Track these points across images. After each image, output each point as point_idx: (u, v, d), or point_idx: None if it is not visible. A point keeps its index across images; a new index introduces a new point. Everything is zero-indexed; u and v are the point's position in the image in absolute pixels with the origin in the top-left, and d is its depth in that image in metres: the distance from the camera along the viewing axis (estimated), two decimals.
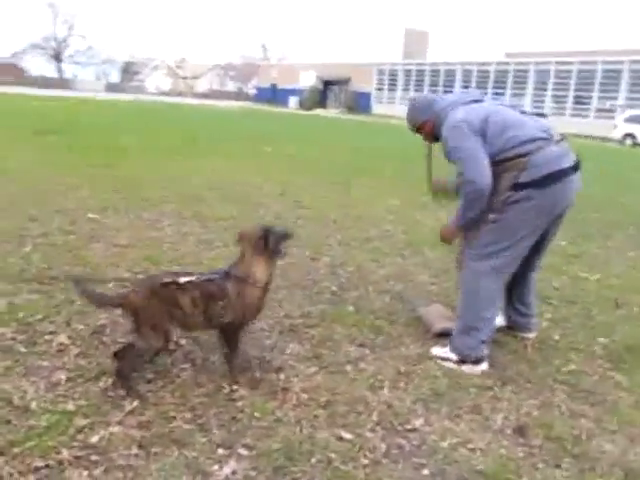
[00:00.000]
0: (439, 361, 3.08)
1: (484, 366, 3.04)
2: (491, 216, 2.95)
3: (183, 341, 3.02)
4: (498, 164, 2.88)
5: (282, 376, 2.77)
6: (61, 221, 5.11)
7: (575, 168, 2.94)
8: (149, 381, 2.61)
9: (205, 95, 65.10)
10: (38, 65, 71.29)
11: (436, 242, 5.40)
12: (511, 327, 3.50)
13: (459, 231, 3.19)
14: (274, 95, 55.51)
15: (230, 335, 2.66)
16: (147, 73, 79.50)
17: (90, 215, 5.43)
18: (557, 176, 2.86)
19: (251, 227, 2.72)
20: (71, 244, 4.47)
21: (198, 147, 12.02)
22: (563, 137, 2.99)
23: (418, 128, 3.24)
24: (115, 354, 2.58)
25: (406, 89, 46.69)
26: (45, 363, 2.69)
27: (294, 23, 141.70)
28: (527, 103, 37.72)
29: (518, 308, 3.43)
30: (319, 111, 44.71)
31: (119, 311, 3.14)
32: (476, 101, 3.12)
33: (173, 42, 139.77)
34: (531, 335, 3.48)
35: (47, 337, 2.94)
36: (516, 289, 3.37)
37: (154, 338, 2.47)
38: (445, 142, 3.00)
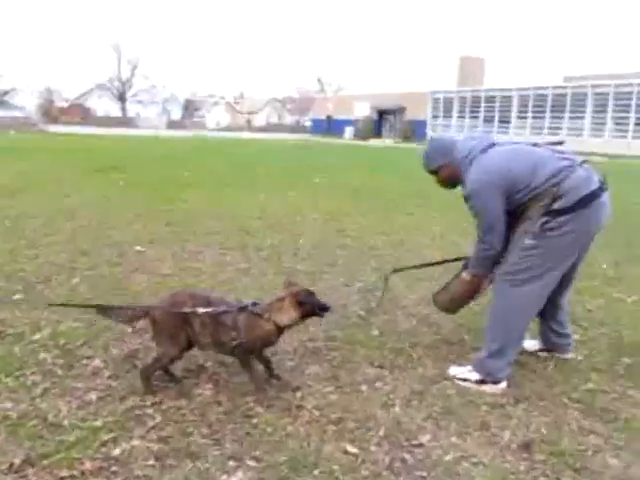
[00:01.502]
0: (457, 381, 3.16)
1: (503, 384, 3.11)
2: (528, 242, 3.00)
3: (209, 363, 3.21)
4: (536, 200, 2.97)
5: (298, 395, 2.91)
6: (110, 254, 5.47)
7: (602, 189, 2.99)
8: (175, 408, 2.79)
9: (263, 129, 66.71)
10: (103, 105, 74.97)
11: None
12: (550, 349, 3.55)
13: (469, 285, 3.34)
14: (329, 126, 56.31)
15: (241, 358, 2.89)
16: (207, 109, 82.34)
17: (138, 248, 5.77)
18: (589, 199, 2.92)
19: (300, 288, 2.96)
20: (116, 275, 4.79)
21: (251, 180, 12.43)
22: (585, 160, 3.06)
23: (435, 171, 3.30)
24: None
25: (461, 116, 46.52)
26: (80, 384, 2.94)
27: (349, 55, 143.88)
28: (586, 127, 36.93)
29: (555, 329, 3.47)
30: (374, 141, 45.06)
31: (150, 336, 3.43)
32: (492, 145, 3.18)
33: (232, 78, 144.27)
34: (570, 355, 3.52)
35: (84, 361, 3.20)
36: (550, 311, 3.40)
37: (170, 346, 2.83)
38: (469, 197, 3.09)
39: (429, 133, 47.90)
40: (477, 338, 3.75)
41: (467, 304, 3.52)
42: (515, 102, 42.58)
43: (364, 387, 3.05)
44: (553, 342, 3.51)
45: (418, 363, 3.39)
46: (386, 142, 44.13)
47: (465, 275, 3.38)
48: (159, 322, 2.84)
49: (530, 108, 41.47)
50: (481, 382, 3.11)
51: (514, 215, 3.09)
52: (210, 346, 2.88)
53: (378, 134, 51.44)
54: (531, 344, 3.58)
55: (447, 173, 3.25)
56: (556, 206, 2.92)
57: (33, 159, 15.32)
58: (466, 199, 3.12)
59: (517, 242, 3.05)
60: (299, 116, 78.14)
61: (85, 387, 2.91)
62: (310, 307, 2.86)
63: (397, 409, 2.83)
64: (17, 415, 2.63)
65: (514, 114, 42.27)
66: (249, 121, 42.39)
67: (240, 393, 2.90)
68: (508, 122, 42.76)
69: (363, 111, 52.29)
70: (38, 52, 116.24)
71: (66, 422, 2.58)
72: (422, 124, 48.41)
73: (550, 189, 2.92)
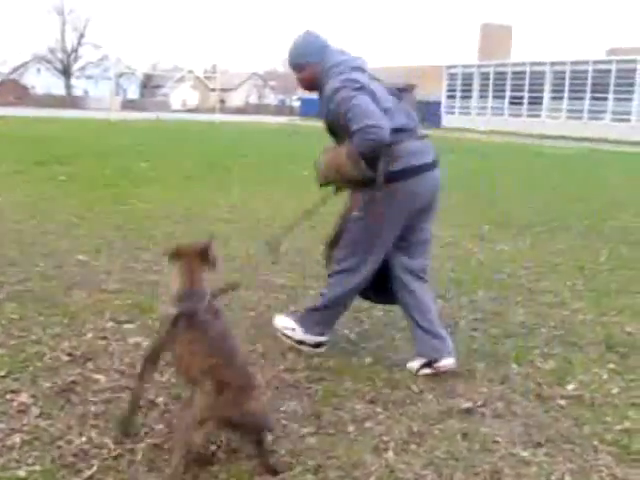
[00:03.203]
0: (279, 334, 3.94)
1: (321, 350, 3.87)
2: (356, 214, 3.62)
3: (160, 399, 3.23)
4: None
5: (270, 437, 2.92)
6: (44, 265, 5.47)
7: (435, 164, 3.64)
8: (116, 456, 2.80)
9: (240, 110, 67.06)
10: (43, 81, 74.61)
11: (490, 280, 5.58)
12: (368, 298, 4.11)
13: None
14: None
15: None
16: (171, 86, 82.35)
17: (79, 257, 5.78)
18: (415, 171, 3.52)
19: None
20: (50, 290, 4.79)
21: (223, 173, 12.48)
22: (426, 135, 3.70)
23: (300, 67, 3.65)
24: None
25: (483, 96, 46.67)
26: (1, 425, 2.92)
27: (346, 22, 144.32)
28: (635, 109, 37.11)
29: (427, 328, 3.74)
30: None
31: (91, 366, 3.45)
32: (361, 69, 3.60)
33: (202, 48, 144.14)
34: (448, 362, 3.69)
35: (8, 396, 3.18)
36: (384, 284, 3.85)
37: None
38: (335, 93, 3.43)
39: (444, 116, 48.08)
40: (490, 367, 3.80)
41: (331, 179, 3.63)
42: (548, 79, 42.75)
43: (351, 427, 3.07)
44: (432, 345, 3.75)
45: (418, 398, 3.41)
46: None
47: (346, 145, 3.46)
48: None
49: (567, 87, 41.55)
50: (300, 342, 3.86)
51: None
52: None
53: None
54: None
55: (311, 74, 3.64)
56: (391, 167, 3.43)
57: None
58: (332, 97, 3.45)
59: (345, 211, 3.73)
60: (285, 95, 78.34)
61: (8, 428, 2.90)
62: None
63: (391, 454, 2.85)
64: None
65: (547, 94, 42.42)
66: (223, 101, 42.44)
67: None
68: (539, 103, 42.93)
69: None
70: None
71: None
72: (435, 105, 48.51)
73: (389, 146, 3.38)
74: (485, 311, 4.84)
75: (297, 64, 3.66)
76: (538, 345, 4.20)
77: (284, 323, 4.00)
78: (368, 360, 3.87)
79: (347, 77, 3.44)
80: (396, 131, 3.42)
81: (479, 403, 3.34)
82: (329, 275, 3.87)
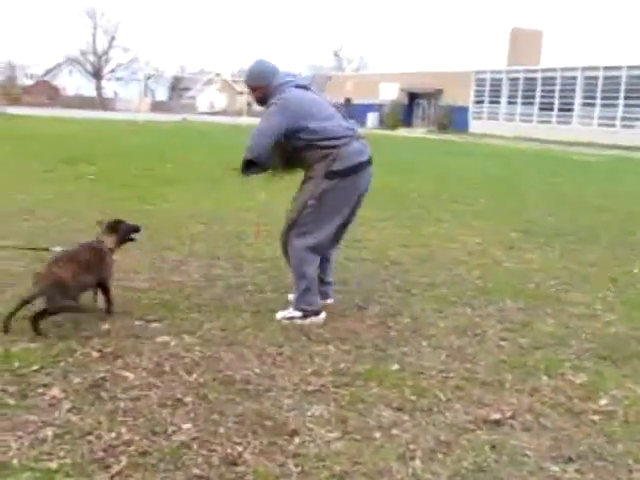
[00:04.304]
0: (286, 321, 4.45)
1: (323, 315, 4.57)
2: (310, 202, 4.42)
3: (188, 398, 3.26)
4: (315, 149, 4.37)
5: (296, 440, 2.94)
6: None
7: (370, 162, 4.52)
8: (144, 452, 2.84)
9: None
10: (75, 82, 75.59)
11: (518, 289, 5.55)
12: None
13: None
14: (348, 112, 56.53)
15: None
16: (199, 89, 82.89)
17: None
18: (359, 168, 4.42)
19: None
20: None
21: (248, 176, 12.50)
22: (362, 136, 4.56)
23: (254, 88, 4.55)
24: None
25: (512, 102, 46.39)
26: (34, 417, 2.99)
27: (373, 25, 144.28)
28: None
29: (321, 278, 4.77)
30: (403, 130, 45.17)
31: (120, 363, 3.51)
32: (305, 87, 4.52)
33: (230, 52, 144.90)
34: (329, 301, 4.86)
35: (40, 390, 3.26)
36: (322, 263, 4.74)
37: None
38: (268, 107, 4.43)
39: (471, 121, 47.89)
40: (519, 378, 3.78)
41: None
42: (580, 85, 42.27)
43: (378, 434, 3.07)
44: (320, 290, 4.69)
45: (445, 406, 3.41)
46: (418, 132, 44.20)
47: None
48: None
49: (599, 93, 41.05)
50: (305, 316, 4.49)
51: (292, 159, 4.59)
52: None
53: (408, 122, 51.56)
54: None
55: (262, 93, 4.53)
56: (334, 167, 4.33)
57: None
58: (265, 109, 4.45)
59: (300, 199, 4.52)
60: None
61: (40, 421, 2.96)
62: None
63: (417, 463, 2.85)
64: None
65: (578, 100, 41.94)
66: (249, 104, 42.45)
67: (224, 434, 2.94)
68: (570, 110, 42.48)
69: (390, 94, 52.39)
70: None
71: (15, 462, 2.63)
72: (462, 111, 48.36)
73: (331, 150, 4.33)
74: (513, 321, 4.81)
75: (251, 87, 4.59)
76: (569, 358, 4.15)
77: (284, 314, 4.59)
78: (394, 366, 3.87)
79: (286, 99, 4.37)
80: (341, 136, 4.39)
81: (508, 415, 3.32)
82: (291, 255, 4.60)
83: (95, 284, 4.33)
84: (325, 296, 4.83)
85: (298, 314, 4.52)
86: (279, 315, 4.55)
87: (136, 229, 4.63)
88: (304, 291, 4.54)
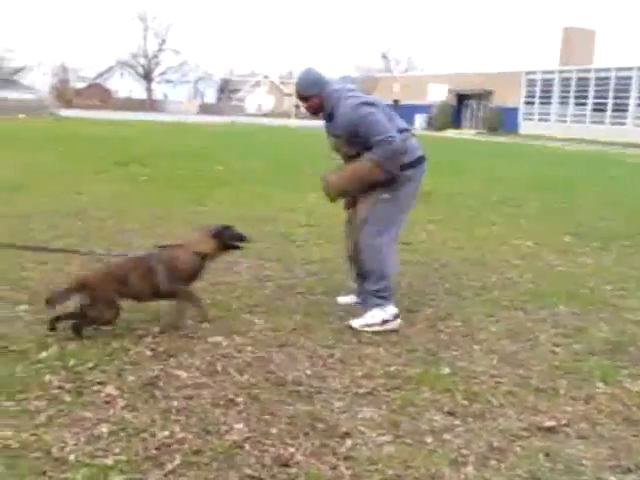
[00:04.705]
0: (366, 328, 4.37)
1: (399, 320, 4.51)
2: (384, 196, 4.41)
3: (239, 398, 3.29)
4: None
5: (348, 443, 2.95)
6: None
7: (425, 158, 4.62)
8: (197, 451, 2.88)
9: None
10: (126, 85, 76.99)
11: (572, 294, 5.46)
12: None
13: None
14: (396, 113, 56.41)
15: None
16: (247, 91, 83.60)
17: None
18: (422, 160, 4.56)
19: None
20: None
21: (297, 177, 12.58)
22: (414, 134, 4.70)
23: (306, 98, 4.52)
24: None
25: (564, 102, 45.61)
26: (89, 414, 3.06)
27: (421, 26, 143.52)
28: None
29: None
30: (452, 132, 44.83)
31: (173, 362, 3.56)
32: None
33: (278, 54, 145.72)
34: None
35: (95, 387, 3.34)
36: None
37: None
38: (354, 110, 4.32)
39: (521, 123, 47.28)
40: (574, 385, 3.71)
41: (350, 190, 4.58)
42: (635, 85, 41.30)
43: (429, 438, 3.06)
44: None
45: (498, 412, 3.37)
46: (467, 134, 43.82)
47: (368, 158, 4.32)
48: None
49: None
50: (384, 322, 4.42)
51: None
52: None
53: (457, 124, 51.13)
54: (347, 299, 4.94)
55: (316, 102, 4.51)
56: (405, 160, 4.38)
57: (42, 148, 15.91)
58: (349, 125, 4.35)
59: (371, 196, 4.44)
60: None
61: (95, 418, 3.03)
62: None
63: (470, 469, 2.83)
64: (18, 445, 2.77)
65: (633, 100, 40.99)
66: (297, 106, 42.70)
67: (276, 435, 2.96)
68: (625, 110, 41.58)
69: (439, 95, 51.98)
70: (51, 24, 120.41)
71: (72, 457, 2.70)
72: (512, 112, 47.73)
73: (401, 142, 4.33)
74: (567, 326, 4.73)
75: (303, 97, 4.54)
76: (625, 365, 4.06)
77: (360, 322, 4.48)
78: (446, 370, 3.84)
79: (363, 101, 4.37)
80: (401, 131, 4.43)
81: (563, 422, 3.27)
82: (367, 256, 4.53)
83: (151, 296, 4.19)
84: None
85: (377, 320, 4.43)
86: (355, 323, 4.45)
87: (241, 237, 4.51)
88: (384, 291, 4.50)
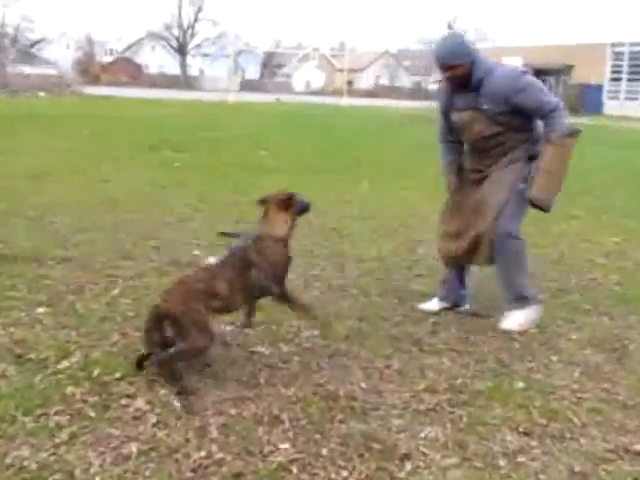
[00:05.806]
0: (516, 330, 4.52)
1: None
2: (520, 186, 4.49)
3: (284, 415, 3.28)
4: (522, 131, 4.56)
5: (408, 466, 2.91)
6: (160, 260, 5.72)
7: None
8: (237, 474, 2.87)
9: (370, 93, 67.25)
10: (158, 59, 77.61)
11: None
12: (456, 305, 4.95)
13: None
14: None
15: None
16: (294, 66, 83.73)
17: (196, 252, 5.98)
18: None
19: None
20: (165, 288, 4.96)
21: (349, 164, 12.56)
22: None
23: (453, 66, 4.43)
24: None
25: None
26: (116, 432, 3.07)
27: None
28: None
29: (465, 282, 4.99)
30: None
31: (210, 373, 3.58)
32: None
33: (328, 24, 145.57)
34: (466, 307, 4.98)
35: (123, 401, 3.34)
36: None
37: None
38: (523, 88, 4.39)
39: (606, 102, 46.45)
40: None
41: (562, 177, 4.49)
42: None
43: (502, 461, 3.01)
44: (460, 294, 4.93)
45: (580, 432, 3.31)
46: None
47: (556, 141, 4.38)
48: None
49: None
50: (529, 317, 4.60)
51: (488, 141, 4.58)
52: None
53: None
54: (433, 304, 4.93)
55: (463, 71, 4.43)
56: (534, 151, 4.52)
57: (66, 131, 16.22)
58: (507, 94, 4.37)
59: (502, 186, 4.53)
60: (421, 76, 77.95)
61: (123, 436, 3.03)
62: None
63: None
64: (36, 466, 2.78)
65: None
66: (350, 82, 42.79)
67: (327, 457, 2.94)
68: None
69: None
70: None
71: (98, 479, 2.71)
72: (596, 90, 46.96)
73: (531, 131, 4.57)
74: None
75: (450, 65, 4.44)
76: None
77: (512, 322, 4.63)
78: (520, 384, 3.78)
79: (524, 74, 4.49)
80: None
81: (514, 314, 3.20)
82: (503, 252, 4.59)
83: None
84: (461, 301, 4.97)
85: (523, 319, 4.61)
86: (505, 325, 4.62)
87: (307, 207, 4.10)
88: (524, 286, 4.66)
